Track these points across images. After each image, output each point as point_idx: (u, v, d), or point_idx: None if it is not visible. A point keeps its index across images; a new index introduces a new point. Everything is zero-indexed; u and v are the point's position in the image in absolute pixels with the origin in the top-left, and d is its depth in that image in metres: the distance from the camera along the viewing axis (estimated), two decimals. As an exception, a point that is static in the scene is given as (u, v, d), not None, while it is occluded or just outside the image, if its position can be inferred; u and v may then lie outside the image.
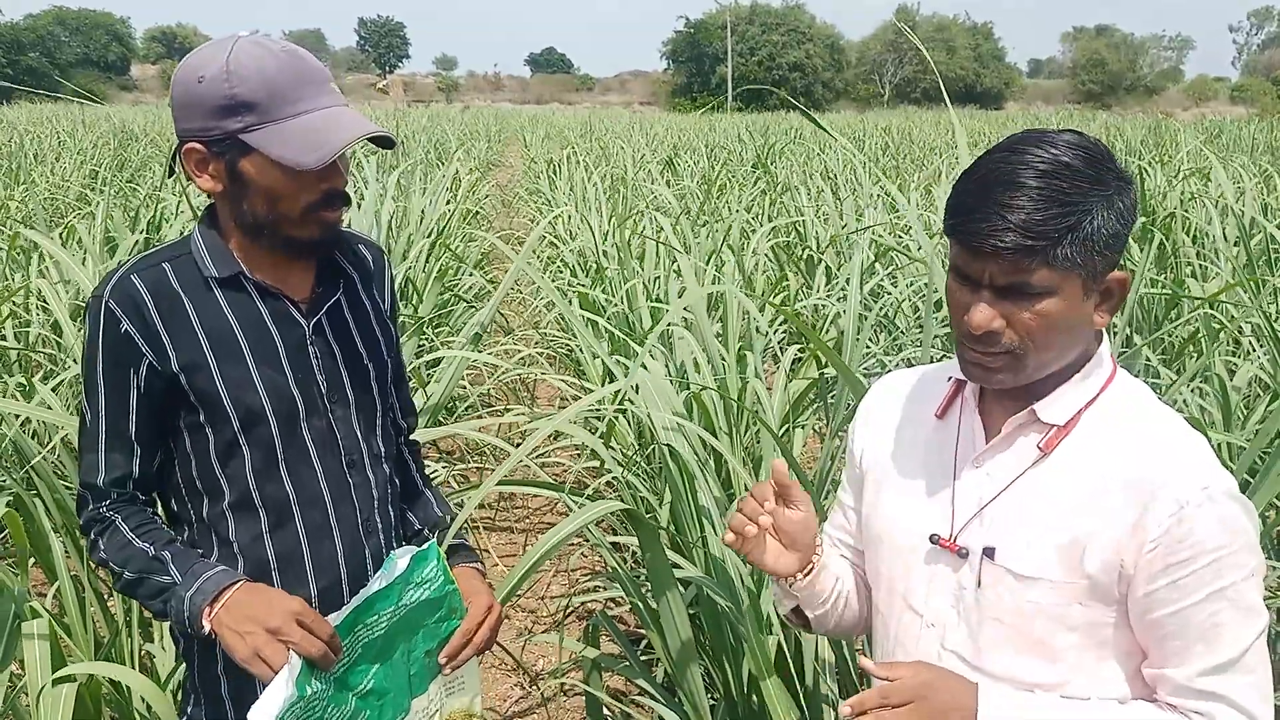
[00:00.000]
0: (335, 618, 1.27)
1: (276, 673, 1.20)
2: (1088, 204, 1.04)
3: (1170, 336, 4.52)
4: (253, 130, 1.25)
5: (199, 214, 1.44)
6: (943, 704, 1.09)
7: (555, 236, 7.75)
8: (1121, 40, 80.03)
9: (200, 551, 1.36)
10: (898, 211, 7.55)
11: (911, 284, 5.05)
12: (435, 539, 1.41)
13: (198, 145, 1.28)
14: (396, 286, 1.60)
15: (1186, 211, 6.99)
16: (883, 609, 1.29)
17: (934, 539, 1.20)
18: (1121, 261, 1.11)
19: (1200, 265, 5.74)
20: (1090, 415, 1.14)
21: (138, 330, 1.29)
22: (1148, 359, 3.93)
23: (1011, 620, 1.14)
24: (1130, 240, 5.51)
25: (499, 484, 2.73)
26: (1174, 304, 5.12)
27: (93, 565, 1.77)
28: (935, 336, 3.46)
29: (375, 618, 1.29)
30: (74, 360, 4.06)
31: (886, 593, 1.27)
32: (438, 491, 1.65)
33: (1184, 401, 3.28)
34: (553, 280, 6.62)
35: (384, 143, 1.31)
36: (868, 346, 4.32)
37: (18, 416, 2.98)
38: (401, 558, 1.32)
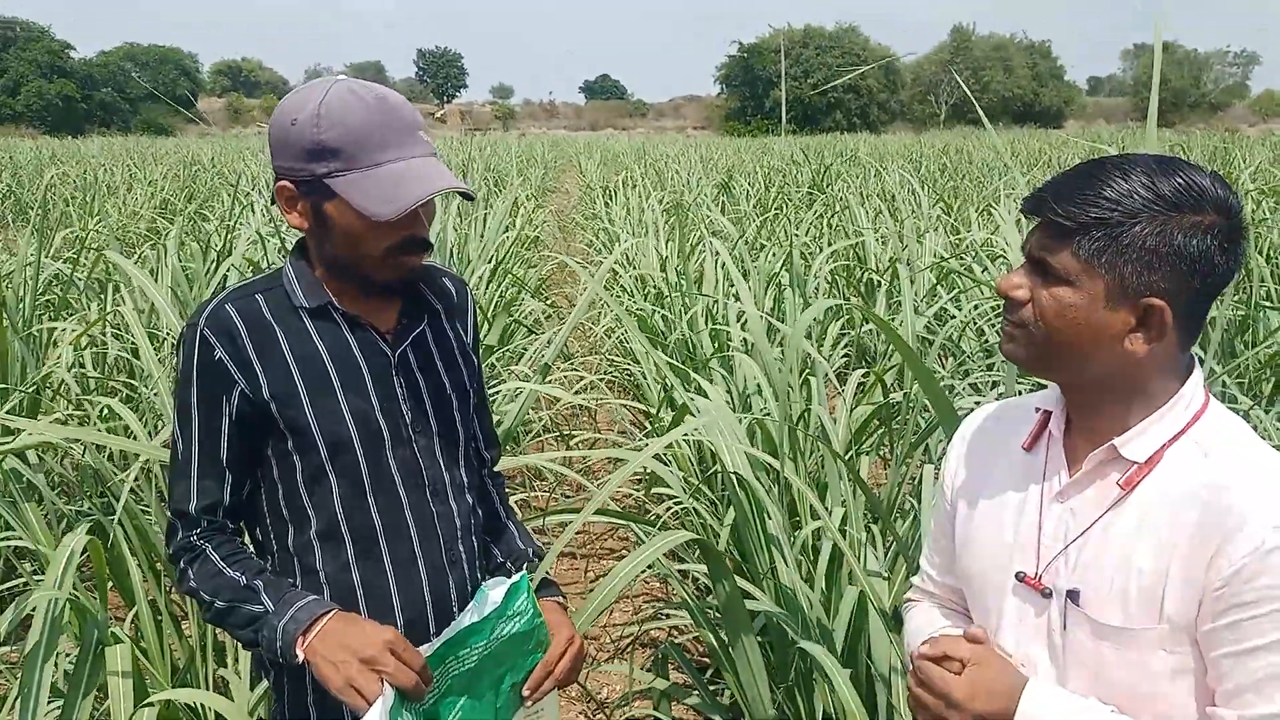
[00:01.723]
0: (427, 649, 1.28)
1: (369, 703, 1.21)
2: (1135, 210, 1.03)
3: (1247, 361, 4.39)
4: (337, 176, 1.27)
5: (263, 242, 1.46)
6: (994, 678, 1.12)
7: (615, 261, 7.78)
8: (1185, 56, 78.44)
9: (291, 581, 1.37)
10: (960, 233, 7.46)
11: (976, 307, 4.98)
12: (526, 571, 1.41)
13: (288, 184, 1.32)
14: (478, 319, 1.61)
15: (1258, 230, 6.80)
16: None
17: (1020, 576, 1.17)
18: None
19: (1276, 287, 5.58)
20: (1174, 451, 1.09)
21: (231, 358, 1.32)
22: (1224, 383, 3.82)
23: (1095, 666, 1.10)
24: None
25: (565, 510, 2.74)
26: (1245, 327, 4.98)
27: (181, 594, 1.79)
28: (1005, 361, 3.39)
29: (467, 650, 1.30)
30: (147, 385, 4.16)
31: (989, 632, 1.23)
32: (521, 524, 1.65)
33: (1264, 429, 3.18)
34: (612, 306, 6.64)
35: (464, 195, 1.33)
36: (934, 370, 4.27)
37: (100, 447, 3.05)
38: (494, 589, 1.32)
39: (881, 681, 2.16)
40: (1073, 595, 1.11)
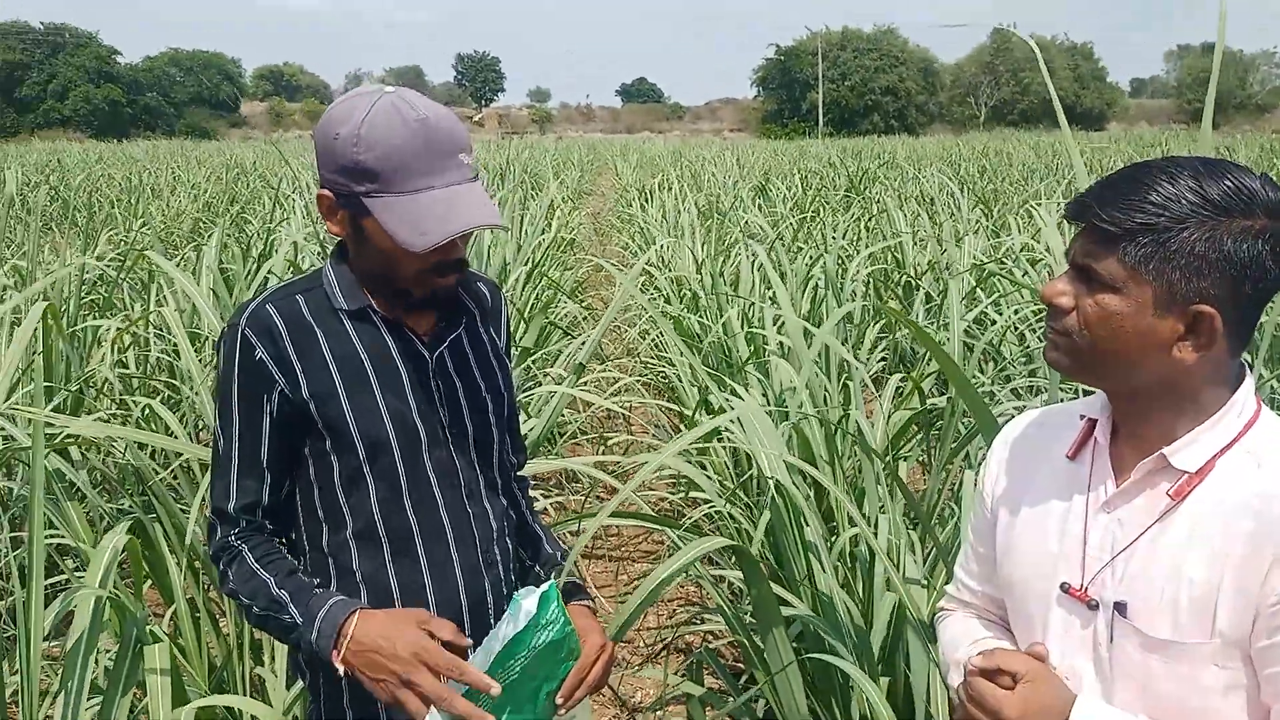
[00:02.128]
0: (480, 666, 1.28)
1: (416, 716, 1.23)
2: (1183, 215, 1.00)
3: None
4: (374, 197, 1.27)
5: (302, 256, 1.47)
6: (1046, 695, 1.09)
7: (649, 263, 7.77)
8: (1231, 58, 77.09)
9: (317, 582, 1.37)
10: (999, 236, 7.38)
11: (1017, 311, 4.91)
12: (552, 577, 1.40)
13: (329, 193, 1.32)
14: (510, 323, 1.61)
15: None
16: None
17: (1064, 587, 1.14)
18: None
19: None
20: (1226, 461, 1.06)
21: (271, 358, 1.33)
22: (1273, 389, 3.74)
23: (1143, 679, 1.07)
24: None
25: (602, 517, 2.73)
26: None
27: (222, 595, 1.81)
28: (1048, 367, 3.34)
29: (512, 661, 1.30)
30: (188, 386, 4.21)
31: (1025, 641, 1.21)
32: (546, 528, 1.65)
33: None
34: (646, 309, 6.63)
35: (495, 228, 1.32)
36: (974, 376, 4.21)
37: (142, 445, 3.09)
38: (527, 599, 1.32)
39: (918, 690, 2.12)
40: (1120, 607, 1.08)
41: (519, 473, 1.63)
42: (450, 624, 1.29)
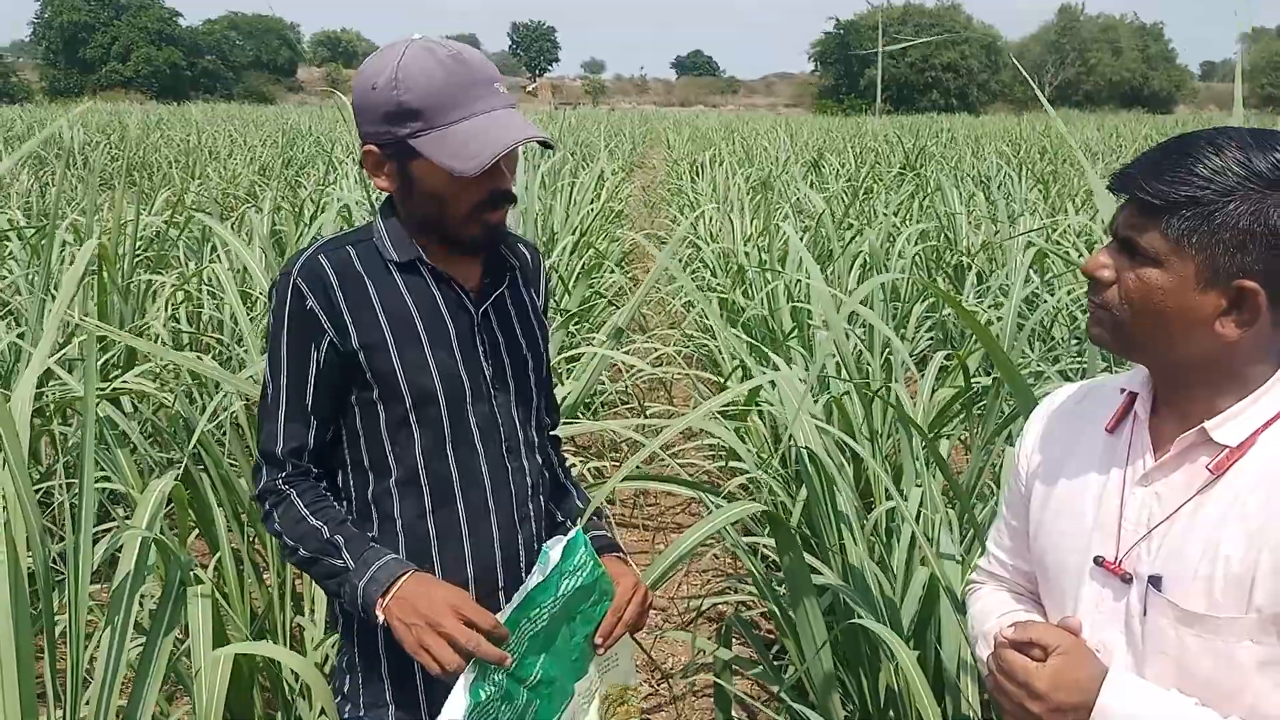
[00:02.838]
0: (502, 615, 1.31)
1: (440, 664, 1.26)
2: (1228, 188, 0.98)
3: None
4: (419, 135, 1.30)
5: (374, 206, 1.50)
6: (1078, 668, 1.08)
7: (697, 236, 7.75)
8: (1308, 39, 74.65)
9: (371, 535, 1.40)
10: (1055, 216, 7.24)
11: (1070, 292, 4.83)
12: (579, 526, 1.43)
13: (374, 147, 1.34)
14: (549, 286, 1.63)
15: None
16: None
17: (1098, 560, 1.13)
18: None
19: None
20: (1269, 436, 1.04)
21: (322, 307, 1.35)
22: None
23: (1177, 654, 1.06)
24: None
25: (635, 478, 2.74)
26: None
27: (269, 534, 1.86)
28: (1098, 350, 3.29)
29: (538, 610, 1.32)
30: (239, 341, 4.29)
31: (1057, 615, 1.21)
32: (577, 483, 1.67)
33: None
34: (693, 280, 6.62)
35: (543, 144, 1.33)
36: (1023, 356, 4.16)
37: (189, 395, 3.15)
38: (554, 549, 1.34)
39: (950, 664, 2.12)
40: (1155, 581, 1.07)
41: (552, 433, 1.65)
42: (492, 617, 1.31)
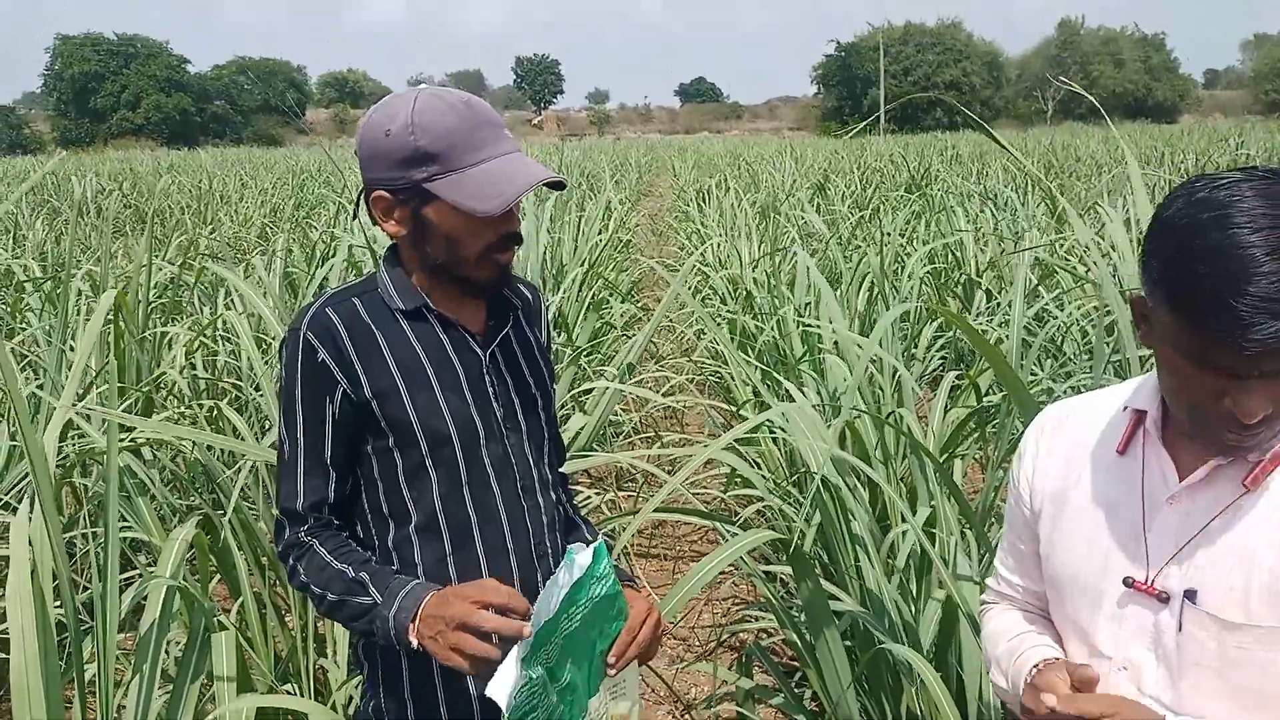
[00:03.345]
0: (544, 614, 1.29)
1: (474, 657, 1.25)
2: None
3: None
4: (436, 179, 1.33)
5: (377, 254, 1.53)
6: None
7: (704, 263, 7.78)
8: (1311, 44, 74.64)
9: (395, 569, 1.42)
10: (1062, 232, 7.25)
11: (1080, 307, 4.83)
12: (599, 540, 1.43)
13: (385, 193, 1.37)
14: (551, 321, 1.65)
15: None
16: (1071, 652, 1.23)
17: (1128, 582, 1.13)
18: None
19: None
20: None
21: (333, 359, 1.37)
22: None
23: (1215, 665, 1.07)
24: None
25: (655, 511, 2.75)
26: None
27: (293, 589, 1.87)
28: (1108, 363, 3.30)
29: (575, 609, 1.30)
30: (256, 387, 4.33)
31: (1072, 635, 1.22)
32: (587, 520, 1.69)
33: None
34: (702, 306, 6.64)
35: (556, 185, 1.37)
36: (1033, 373, 4.16)
37: (210, 447, 3.19)
38: (580, 554, 1.32)
39: (971, 687, 2.12)
40: (1190, 595, 1.09)
41: (560, 469, 1.67)
42: (508, 588, 1.31)
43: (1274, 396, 0.99)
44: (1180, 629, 1.09)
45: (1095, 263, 2.92)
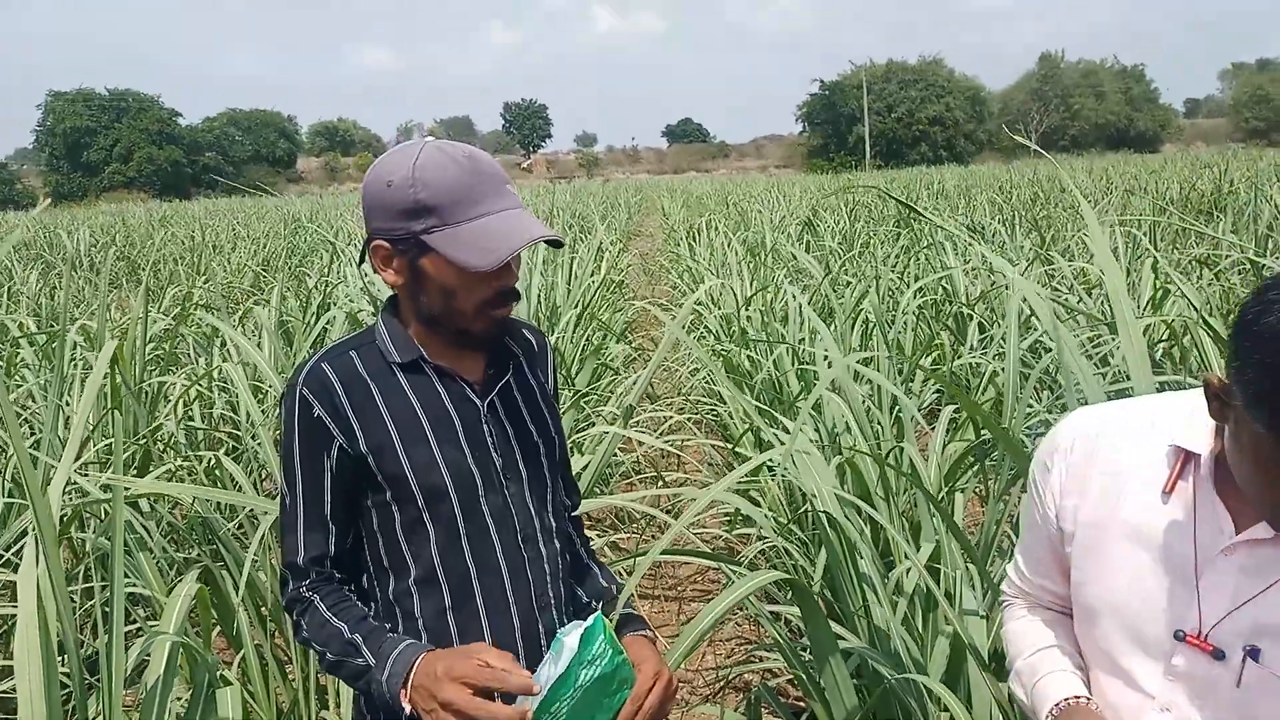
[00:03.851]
0: (537, 699, 1.29)
1: None
2: None
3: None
4: (434, 232, 1.33)
5: (372, 303, 1.53)
6: None
7: (698, 303, 7.81)
8: (1286, 72, 75.75)
9: (389, 627, 1.41)
10: (1053, 263, 7.30)
11: (1077, 336, 4.86)
12: (601, 611, 1.42)
13: (384, 243, 1.38)
14: (557, 367, 1.66)
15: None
16: (1100, 681, 1.23)
17: (1179, 635, 1.12)
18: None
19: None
20: None
21: (329, 414, 1.38)
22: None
23: (1269, 716, 1.08)
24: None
25: (658, 554, 2.74)
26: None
27: (298, 644, 1.86)
28: (1107, 396, 3.31)
29: (557, 704, 1.30)
30: (253, 436, 4.32)
31: (1106, 661, 1.21)
32: (602, 564, 1.67)
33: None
34: (698, 345, 6.66)
35: (554, 243, 1.38)
36: (1030, 405, 4.17)
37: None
38: (569, 636, 1.32)
39: (981, 725, 2.10)
40: (1252, 653, 1.08)
41: (574, 513, 1.66)
42: (506, 655, 1.31)
43: None
44: (1239, 684, 1.09)
45: (1087, 294, 2.93)
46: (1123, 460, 1.20)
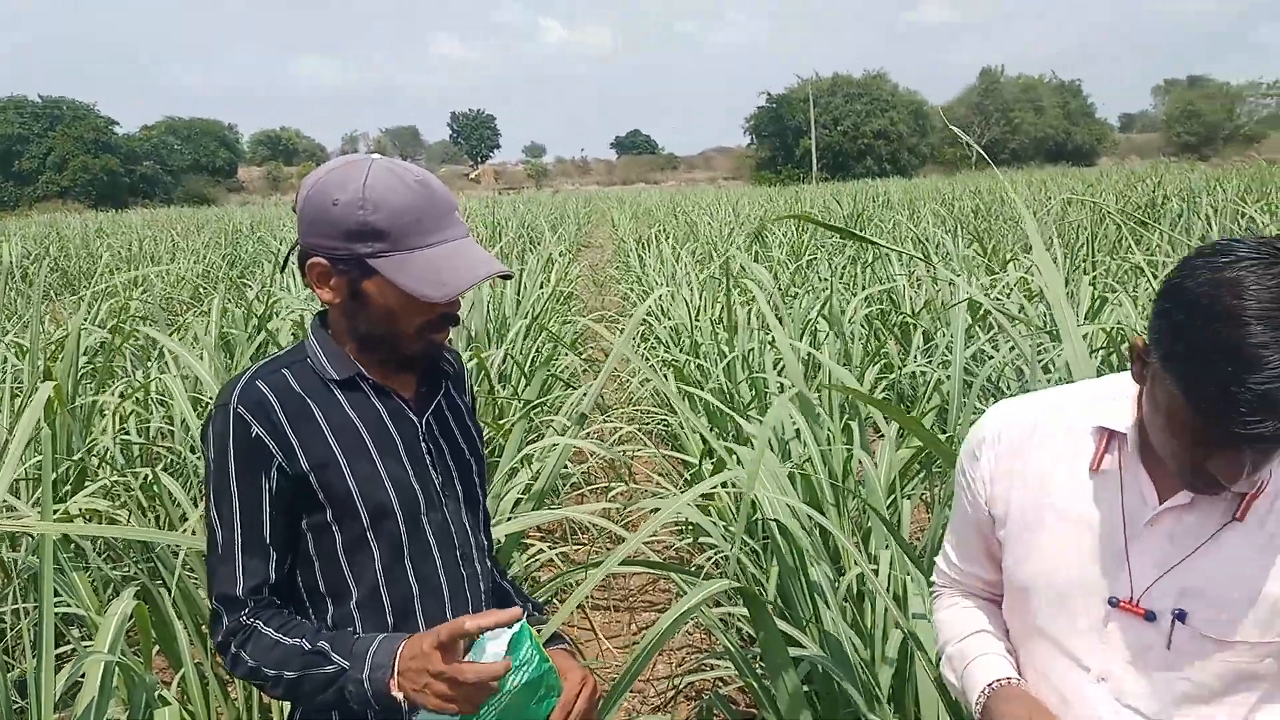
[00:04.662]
0: None
1: (465, 703, 1.25)
2: None
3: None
4: (381, 256, 1.29)
5: (306, 317, 1.49)
6: None
7: (648, 313, 7.82)
8: (1217, 90, 78.02)
9: (351, 629, 1.37)
10: (995, 274, 7.43)
11: (1013, 348, 4.94)
12: (525, 620, 1.41)
13: (323, 261, 1.32)
14: (497, 376, 1.64)
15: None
16: (1035, 659, 1.28)
17: (1114, 601, 1.18)
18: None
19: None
20: (1277, 476, 1.12)
21: (268, 433, 1.32)
22: None
23: (1200, 678, 1.14)
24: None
25: (610, 565, 2.72)
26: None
27: (239, 679, 1.78)
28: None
29: (485, 708, 1.29)
30: (192, 449, 4.22)
31: (1041, 641, 1.26)
32: (513, 581, 1.66)
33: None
34: (647, 357, 6.66)
35: (504, 276, 1.35)
36: (975, 410, 4.22)
37: (144, 510, 3.10)
38: (492, 642, 1.31)
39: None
40: (1180, 615, 1.14)
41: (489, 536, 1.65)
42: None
43: (1258, 464, 1.03)
44: (1169, 646, 1.15)
45: (1028, 301, 2.98)
46: (1053, 445, 1.26)
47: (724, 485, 3.39)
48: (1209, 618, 1.12)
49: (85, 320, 5.03)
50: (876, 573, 2.42)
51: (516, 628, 1.33)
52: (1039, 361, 4.78)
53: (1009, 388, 4.90)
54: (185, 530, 3.15)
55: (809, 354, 5.41)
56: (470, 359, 4.86)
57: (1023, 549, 1.26)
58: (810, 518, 2.59)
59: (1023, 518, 1.27)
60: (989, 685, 1.28)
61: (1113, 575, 1.18)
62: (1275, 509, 1.12)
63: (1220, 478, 1.05)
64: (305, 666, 1.30)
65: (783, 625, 2.24)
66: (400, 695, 1.27)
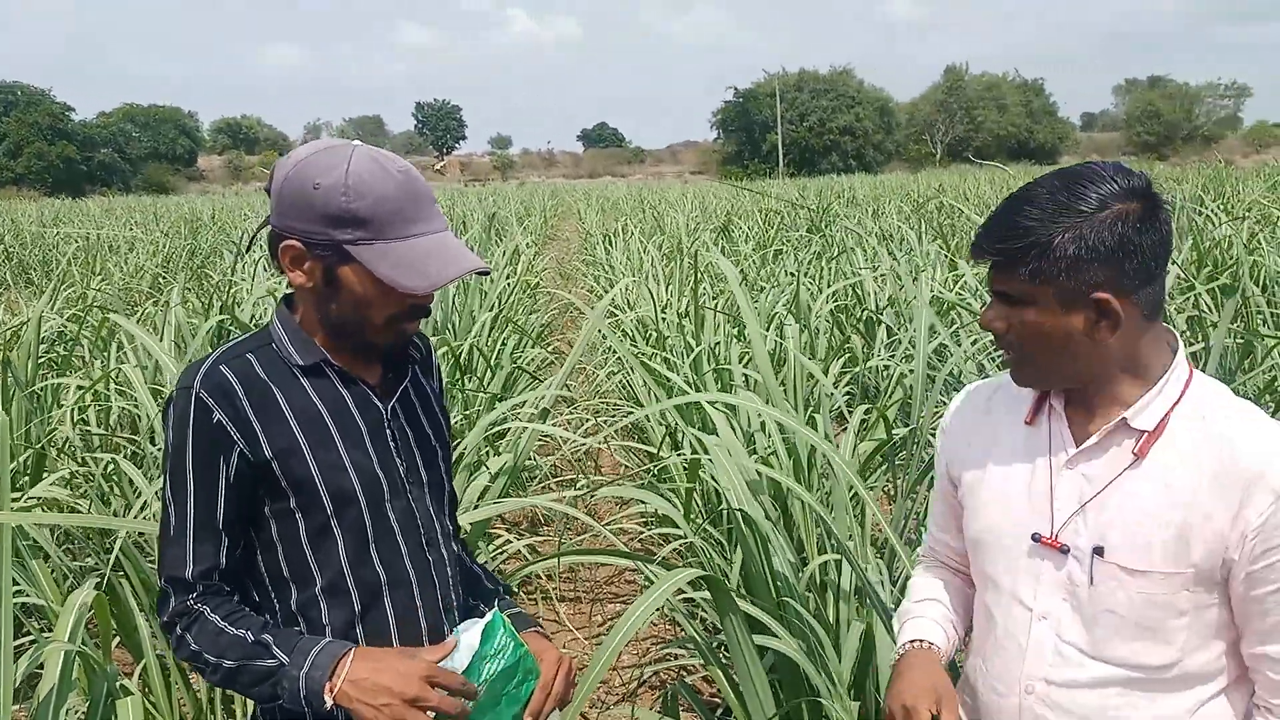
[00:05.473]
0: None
1: None
2: (1051, 228, 1.17)
3: (1246, 386, 4.40)
4: (361, 244, 1.28)
5: (277, 300, 1.47)
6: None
7: (614, 305, 7.82)
8: (1176, 90, 79.23)
9: (299, 629, 1.37)
10: (957, 269, 7.51)
11: (975, 341, 5.00)
12: (497, 608, 1.42)
13: (298, 244, 1.31)
14: (464, 366, 1.64)
15: (1256, 259, 6.86)
16: (989, 605, 1.37)
17: (1035, 537, 1.28)
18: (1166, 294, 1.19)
19: (1273, 313, 5.60)
20: (1177, 415, 1.23)
21: (230, 419, 1.31)
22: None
23: (1124, 611, 1.22)
24: (1198, 288, 5.39)
25: (571, 553, 2.73)
26: (1248, 352, 5.00)
27: (181, 661, 1.78)
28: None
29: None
30: (152, 439, 4.17)
31: (994, 590, 1.36)
32: (484, 566, 1.67)
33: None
34: (614, 350, 6.67)
35: (482, 273, 1.35)
36: (938, 404, 4.28)
37: (103, 498, 3.06)
38: (466, 633, 1.33)
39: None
40: (1098, 550, 1.23)
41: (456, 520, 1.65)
42: (455, 675, 1.32)
43: (1005, 319, 1.24)
44: (1092, 581, 1.24)
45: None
46: (997, 408, 1.40)
47: (690, 468, 3.40)
48: (1123, 551, 1.22)
49: (45, 309, 4.94)
50: (840, 563, 2.45)
51: (490, 616, 1.35)
52: (996, 359, 4.85)
53: (970, 381, 4.96)
54: (145, 517, 3.12)
55: (776, 344, 5.45)
56: (440, 347, 4.84)
57: (973, 503, 1.38)
58: (775, 506, 2.62)
59: (974, 476, 1.39)
60: (907, 644, 1.42)
61: (1039, 517, 1.29)
62: (1174, 447, 1.21)
63: (979, 321, 1.27)
64: (245, 657, 1.30)
65: (745, 605, 2.27)
66: (331, 701, 1.27)
